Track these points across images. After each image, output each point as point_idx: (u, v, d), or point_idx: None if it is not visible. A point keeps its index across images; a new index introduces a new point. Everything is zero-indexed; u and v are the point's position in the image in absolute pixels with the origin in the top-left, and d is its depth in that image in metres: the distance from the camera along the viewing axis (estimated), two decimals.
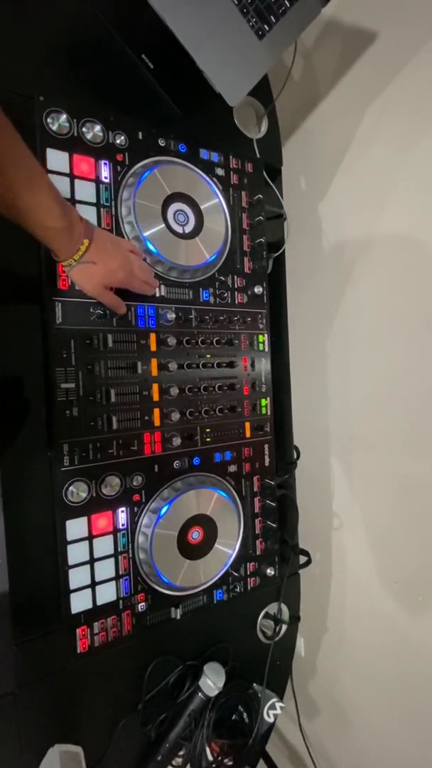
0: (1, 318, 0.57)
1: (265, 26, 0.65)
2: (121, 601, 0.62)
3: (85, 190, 0.60)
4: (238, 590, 0.74)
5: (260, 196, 0.77)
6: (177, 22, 0.61)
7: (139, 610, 0.64)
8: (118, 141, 0.62)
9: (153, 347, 0.65)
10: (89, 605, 0.59)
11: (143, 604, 0.64)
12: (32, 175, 0.44)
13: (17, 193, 0.43)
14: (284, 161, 0.91)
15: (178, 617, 0.67)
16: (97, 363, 0.60)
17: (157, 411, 0.66)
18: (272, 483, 0.79)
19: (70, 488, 0.57)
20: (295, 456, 0.94)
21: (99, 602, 0.60)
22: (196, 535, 0.68)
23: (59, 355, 0.57)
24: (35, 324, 0.58)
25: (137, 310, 0.64)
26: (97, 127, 0.60)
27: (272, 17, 0.65)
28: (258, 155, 0.82)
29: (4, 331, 0.58)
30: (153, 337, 0.65)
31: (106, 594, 0.61)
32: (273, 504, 0.78)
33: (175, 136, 0.68)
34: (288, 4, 0.66)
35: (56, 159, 0.57)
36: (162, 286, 0.66)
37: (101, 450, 0.60)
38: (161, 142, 0.67)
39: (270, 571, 0.77)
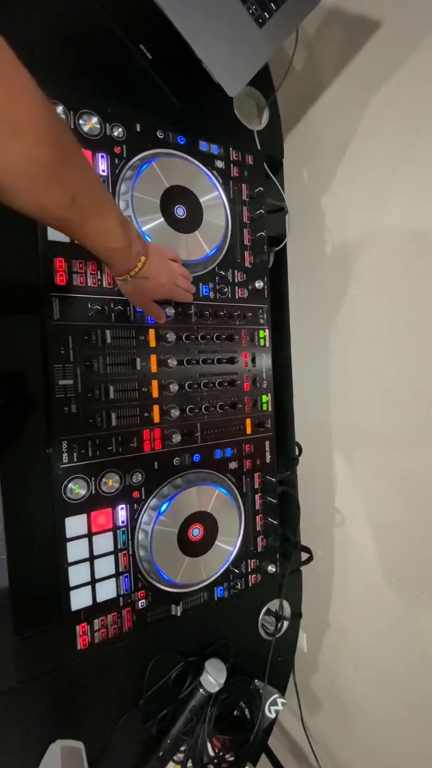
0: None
1: (266, 14, 0.64)
2: (121, 598, 0.62)
3: None
4: (239, 587, 0.74)
5: (261, 188, 0.76)
6: (175, 10, 0.59)
7: (140, 607, 0.63)
8: (115, 133, 0.61)
9: (152, 343, 0.65)
10: (89, 602, 0.59)
11: (143, 601, 0.64)
12: (101, 199, 0.44)
13: (87, 218, 0.43)
14: (286, 153, 0.89)
15: (179, 614, 0.66)
16: (96, 359, 0.60)
17: (156, 407, 0.65)
18: (273, 480, 0.78)
19: (70, 485, 0.57)
20: (297, 452, 0.93)
21: (99, 599, 0.60)
22: (196, 532, 0.67)
23: (57, 351, 0.57)
24: (33, 320, 0.58)
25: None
26: (94, 119, 0.59)
27: (272, 4, 0.64)
28: (259, 147, 0.81)
29: (2, 327, 0.57)
30: (152, 332, 0.65)
31: (106, 591, 0.60)
32: (274, 501, 0.78)
33: (173, 127, 0.67)
34: None
35: None
36: None
37: (100, 447, 0.60)
38: (159, 134, 0.66)
39: (271, 568, 0.77)
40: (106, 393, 0.60)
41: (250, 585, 0.76)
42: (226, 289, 0.72)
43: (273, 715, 0.80)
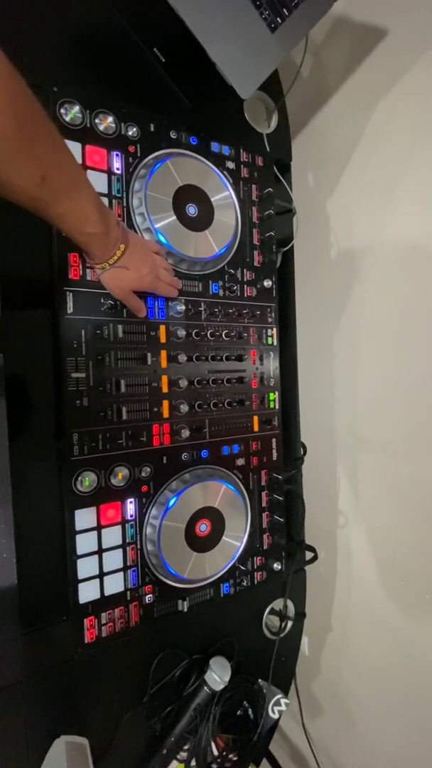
0: (12, 308, 0.57)
1: (278, 19, 0.65)
2: (128, 592, 0.62)
3: (97, 181, 0.60)
4: (244, 584, 0.74)
5: (270, 190, 0.77)
6: (190, 13, 0.61)
7: (147, 601, 0.63)
8: (130, 132, 0.63)
9: (163, 339, 0.65)
10: (97, 595, 0.59)
11: (150, 595, 0.64)
12: (74, 181, 0.44)
13: (58, 199, 0.42)
14: (294, 156, 0.91)
15: (185, 610, 0.66)
16: (108, 354, 0.60)
17: (166, 402, 0.66)
18: (280, 477, 0.78)
19: (80, 478, 0.57)
20: (302, 452, 0.93)
21: (107, 593, 0.60)
22: (203, 527, 0.67)
23: (70, 345, 0.57)
24: (46, 314, 0.59)
25: (147, 301, 0.64)
26: (110, 119, 0.61)
27: (285, 10, 0.65)
28: (268, 149, 0.82)
29: (16, 321, 0.58)
30: (163, 328, 0.65)
31: (114, 585, 0.61)
32: (280, 498, 0.78)
33: (186, 128, 0.68)
34: None
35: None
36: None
37: (110, 440, 0.60)
38: (173, 135, 0.67)
39: (277, 566, 0.77)
40: (117, 387, 0.60)
41: (255, 582, 0.76)
42: (235, 288, 0.73)
43: (276, 716, 0.79)
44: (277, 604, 0.86)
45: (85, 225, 0.47)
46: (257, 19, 0.65)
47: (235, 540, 0.72)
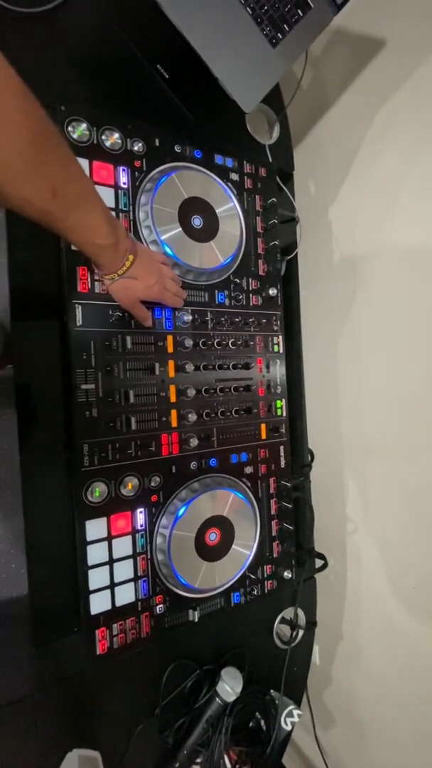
0: (21, 320, 0.58)
1: (279, 35, 0.67)
2: (139, 603, 0.62)
3: (105, 196, 0.60)
4: (255, 593, 0.74)
5: (274, 199, 0.78)
6: (193, 31, 0.62)
7: (158, 612, 0.63)
8: (135, 148, 0.64)
9: (170, 349, 0.66)
10: (108, 606, 0.59)
11: (161, 606, 0.64)
12: (84, 194, 0.44)
13: (69, 212, 0.43)
14: (296, 166, 0.92)
15: (196, 620, 0.66)
16: (116, 364, 0.61)
17: (174, 412, 0.66)
18: (288, 485, 0.78)
19: (90, 488, 0.58)
20: (310, 459, 0.93)
21: (118, 603, 0.60)
22: (213, 536, 0.67)
23: (79, 357, 0.58)
24: (56, 326, 0.60)
25: (155, 312, 0.64)
26: (116, 135, 0.62)
27: (285, 26, 0.67)
28: (270, 160, 0.84)
29: (26, 332, 0.59)
30: (170, 339, 0.66)
31: (125, 595, 0.60)
32: (289, 506, 0.78)
33: (190, 142, 0.70)
34: (300, 14, 0.68)
35: None
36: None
37: (120, 450, 0.61)
38: (177, 149, 0.68)
39: (287, 574, 0.77)
40: (126, 398, 0.61)
41: (266, 591, 0.75)
42: (240, 297, 0.74)
43: (289, 727, 0.79)
44: (288, 613, 0.86)
45: (95, 237, 0.47)
46: (258, 35, 0.66)
47: (245, 549, 0.72)
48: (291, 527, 0.78)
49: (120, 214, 0.62)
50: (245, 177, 0.76)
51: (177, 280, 0.64)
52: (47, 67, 0.62)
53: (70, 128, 0.59)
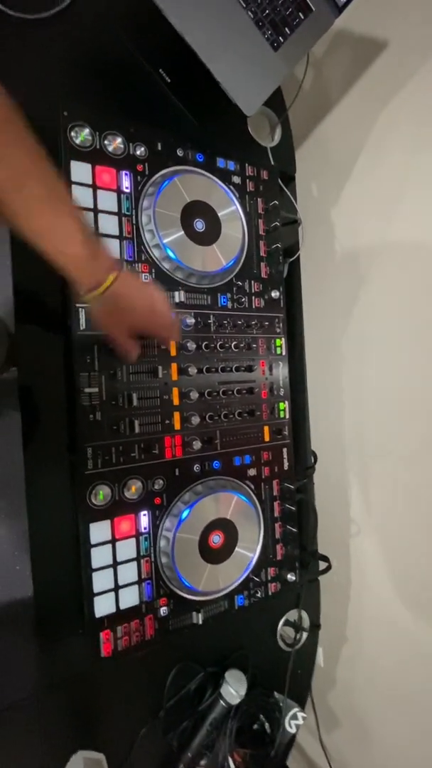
0: (25, 323, 0.58)
1: (280, 38, 0.67)
2: (143, 605, 0.62)
3: (107, 200, 0.61)
4: (258, 595, 0.74)
5: (276, 202, 0.78)
6: (194, 35, 0.63)
7: (162, 614, 0.63)
8: (138, 152, 0.64)
9: (173, 352, 0.66)
10: (113, 609, 0.59)
11: (165, 608, 0.64)
12: (53, 194, 0.41)
13: (35, 212, 0.40)
14: (298, 168, 0.92)
15: (200, 622, 0.66)
16: (119, 368, 0.61)
17: (177, 415, 0.66)
18: (292, 487, 0.78)
19: (94, 491, 0.58)
20: (313, 461, 0.93)
21: (122, 606, 0.60)
22: (217, 539, 0.67)
23: (83, 360, 0.58)
24: (58, 329, 0.60)
25: None
26: (119, 139, 0.62)
27: (286, 29, 0.67)
28: (272, 163, 0.84)
29: (28, 335, 0.59)
30: (173, 342, 0.66)
31: (129, 598, 0.61)
32: (293, 508, 0.78)
33: (192, 146, 0.70)
34: (302, 17, 0.68)
35: (80, 171, 0.59)
36: (181, 292, 0.67)
37: (124, 453, 0.61)
38: (179, 152, 0.68)
39: (291, 577, 0.77)
40: (129, 401, 0.61)
41: (269, 593, 0.75)
42: (243, 299, 0.74)
43: (293, 730, 0.78)
44: (292, 615, 0.86)
45: (66, 245, 0.43)
46: (260, 38, 0.66)
47: (249, 551, 0.72)
48: (294, 530, 0.78)
49: (122, 218, 0.62)
50: (247, 180, 0.76)
51: (167, 305, 0.56)
52: (49, 71, 0.63)
53: (73, 133, 0.59)
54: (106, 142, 0.61)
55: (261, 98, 0.70)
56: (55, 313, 0.60)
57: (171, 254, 0.64)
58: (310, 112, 0.97)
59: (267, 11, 0.65)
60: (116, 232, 0.62)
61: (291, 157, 0.90)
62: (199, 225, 0.68)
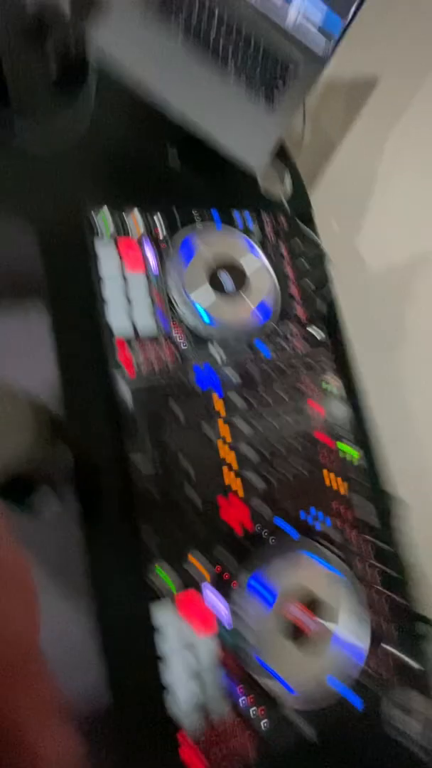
0: (71, 403, 0.57)
1: (274, 92, 0.70)
2: (232, 710, 0.51)
3: (137, 281, 0.63)
4: (373, 690, 0.60)
5: (298, 242, 0.77)
6: (190, 109, 0.66)
7: (259, 727, 0.52)
8: (157, 221, 0.66)
9: (222, 412, 0.62)
10: (192, 707, 0.49)
11: (265, 720, 0.52)
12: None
13: None
14: (315, 208, 0.92)
15: (311, 737, 0.53)
16: (168, 434, 0.58)
17: (234, 476, 0.60)
18: (382, 545, 0.67)
19: (153, 570, 0.52)
20: (400, 509, 0.80)
21: (209, 712, 0.50)
22: (305, 619, 0.57)
23: (130, 431, 0.56)
24: (103, 402, 0.58)
25: (196, 373, 0.62)
26: (137, 215, 0.65)
27: (280, 82, 0.70)
28: (288, 209, 0.84)
29: (74, 411, 0.58)
30: (219, 400, 0.62)
31: (214, 702, 0.51)
32: (393, 573, 0.65)
33: (207, 204, 0.71)
34: (289, 72, 0.71)
35: (108, 260, 0.62)
36: (220, 349, 0.65)
37: (182, 526, 0.55)
38: (195, 213, 0.70)
39: (412, 662, 0.62)
40: (181, 468, 0.57)
41: (385, 683, 0.61)
42: (285, 345, 0.70)
43: None
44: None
45: None
46: (253, 99, 0.69)
47: (347, 630, 0.60)
48: (403, 600, 0.65)
49: (152, 289, 0.63)
50: (266, 228, 0.76)
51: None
52: (65, 157, 0.68)
53: (94, 216, 0.62)
54: (127, 219, 0.64)
55: (266, 156, 0.71)
56: (99, 386, 0.58)
57: (202, 312, 0.63)
58: (318, 155, 0.99)
59: (254, 74, 0.69)
60: (149, 308, 0.62)
61: (306, 200, 0.91)
62: (226, 279, 0.67)
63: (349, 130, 0.90)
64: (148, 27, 0.65)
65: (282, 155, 0.87)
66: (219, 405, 0.62)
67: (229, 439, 0.61)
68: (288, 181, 0.89)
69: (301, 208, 0.88)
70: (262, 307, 0.69)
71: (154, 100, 0.64)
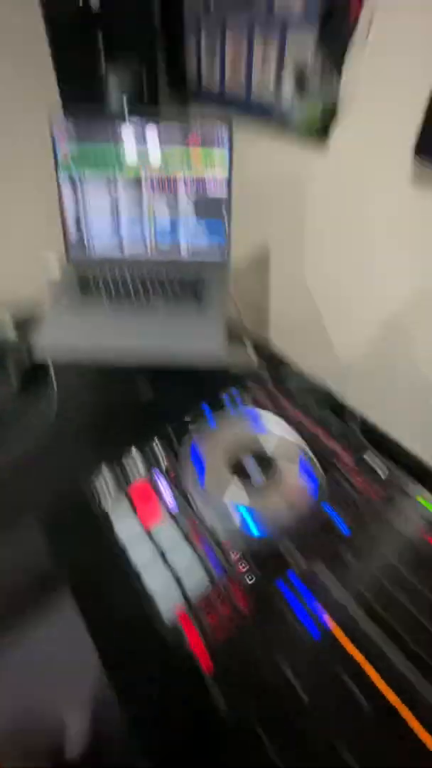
0: None
1: (202, 300, 0.76)
2: None
3: (163, 533, 0.54)
4: None
5: (293, 389, 0.73)
6: (142, 349, 0.69)
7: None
8: (158, 453, 0.62)
9: (345, 646, 0.45)
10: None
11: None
12: None
13: None
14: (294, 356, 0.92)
15: None
16: None
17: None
18: None
19: None
20: None
21: None
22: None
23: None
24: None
25: (288, 601, 0.47)
26: (139, 461, 0.61)
27: (202, 294, 0.77)
28: (264, 371, 0.84)
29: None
30: (336, 628, 0.46)
31: None
32: None
33: (194, 405, 0.70)
34: (206, 280, 0.80)
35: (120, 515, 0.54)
36: (285, 539, 0.52)
37: None
38: (189, 422, 0.67)
39: None
40: None
41: None
42: (352, 520, 0.57)
43: None
44: None
45: None
46: (187, 312, 0.73)
47: None
48: None
49: (178, 524, 0.54)
50: (266, 399, 0.73)
51: None
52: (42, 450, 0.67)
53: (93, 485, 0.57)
54: (128, 467, 0.60)
55: (222, 344, 0.71)
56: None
57: (244, 513, 0.53)
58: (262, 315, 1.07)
59: (179, 296, 0.76)
60: (190, 556, 0.52)
61: (278, 361, 0.93)
62: (253, 467, 0.59)
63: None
64: (78, 312, 0.74)
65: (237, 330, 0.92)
66: (338, 633, 0.45)
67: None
68: (250, 349, 0.93)
69: (277, 369, 0.89)
70: (303, 472, 0.59)
71: (109, 359, 0.68)
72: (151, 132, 0.74)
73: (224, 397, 0.73)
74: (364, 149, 0.71)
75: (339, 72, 0.75)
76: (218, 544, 0.52)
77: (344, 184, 0.77)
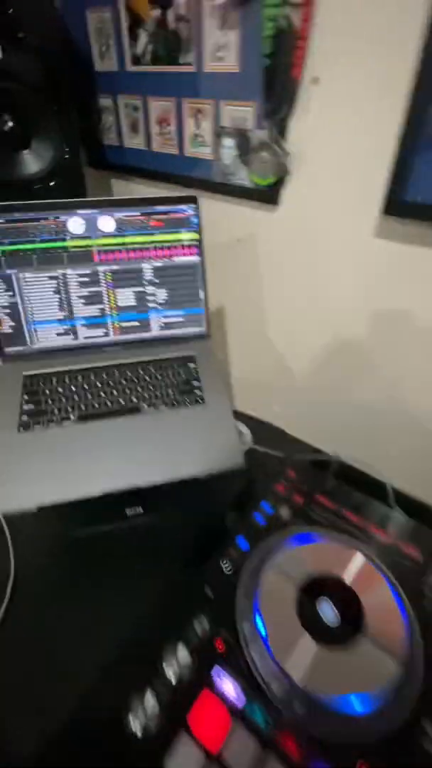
0: None
1: (194, 392, 0.63)
2: None
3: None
4: None
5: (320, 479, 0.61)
6: (145, 476, 0.54)
7: None
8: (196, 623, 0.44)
9: None
10: None
11: None
12: None
13: None
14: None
15: None
16: None
17: None
18: None
19: None
20: None
21: None
22: None
23: None
24: None
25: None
26: (183, 653, 0.42)
27: (194, 383, 0.65)
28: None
29: None
30: None
31: None
32: None
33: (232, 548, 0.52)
34: (195, 362, 0.67)
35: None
36: None
37: None
38: (222, 562, 0.50)
39: None
40: None
41: None
42: None
43: None
44: None
45: None
46: (183, 413, 0.61)
47: None
48: None
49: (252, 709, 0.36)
50: (292, 496, 0.59)
51: None
52: None
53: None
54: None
55: (239, 450, 0.60)
56: None
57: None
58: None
59: (170, 395, 0.63)
60: None
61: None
62: (329, 611, 0.44)
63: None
64: (25, 447, 0.56)
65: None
66: None
67: None
68: (244, 429, 0.80)
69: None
70: (396, 599, 0.45)
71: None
72: (105, 222, 0.64)
73: (255, 516, 0.54)
74: (317, 205, 0.74)
75: (283, 132, 0.72)
76: (325, 749, 0.35)
77: (298, 240, 0.79)
